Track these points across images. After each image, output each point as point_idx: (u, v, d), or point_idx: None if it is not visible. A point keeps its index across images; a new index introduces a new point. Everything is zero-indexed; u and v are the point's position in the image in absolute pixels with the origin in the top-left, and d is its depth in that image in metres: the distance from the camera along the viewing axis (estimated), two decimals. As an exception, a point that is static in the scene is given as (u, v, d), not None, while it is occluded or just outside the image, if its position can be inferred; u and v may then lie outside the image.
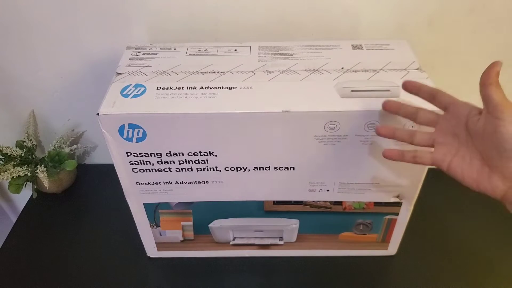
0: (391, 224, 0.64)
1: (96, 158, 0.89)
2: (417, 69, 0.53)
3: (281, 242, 0.68)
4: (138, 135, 0.50)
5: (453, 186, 0.45)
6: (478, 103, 0.41)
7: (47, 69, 0.72)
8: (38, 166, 0.76)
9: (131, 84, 0.51)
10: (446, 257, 0.70)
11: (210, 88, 0.51)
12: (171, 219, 0.63)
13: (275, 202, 0.61)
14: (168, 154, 0.53)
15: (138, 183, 0.56)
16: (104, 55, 0.70)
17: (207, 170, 0.55)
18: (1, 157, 0.76)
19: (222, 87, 0.51)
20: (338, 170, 0.55)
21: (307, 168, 0.55)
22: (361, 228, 0.65)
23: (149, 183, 0.56)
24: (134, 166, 0.54)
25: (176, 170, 0.55)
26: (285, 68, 0.54)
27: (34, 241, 0.75)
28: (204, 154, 0.53)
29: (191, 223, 0.64)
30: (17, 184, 0.76)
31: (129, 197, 0.59)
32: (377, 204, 0.60)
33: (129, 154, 0.52)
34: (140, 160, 0.53)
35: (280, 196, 0.60)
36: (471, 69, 0.70)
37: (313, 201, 0.60)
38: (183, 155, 0.53)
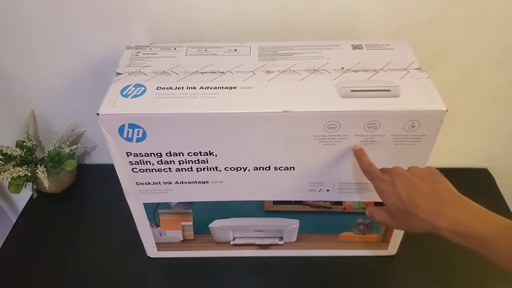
0: (391, 224, 0.64)
1: (96, 158, 0.89)
2: (417, 69, 0.53)
3: (281, 242, 0.68)
4: (138, 135, 0.50)
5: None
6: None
7: (47, 69, 0.72)
8: (38, 166, 0.76)
9: (131, 84, 0.51)
10: (446, 257, 0.70)
11: (210, 88, 0.51)
12: (171, 219, 0.63)
13: (275, 202, 0.61)
14: (168, 154, 0.53)
15: (138, 183, 0.56)
16: (104, 55, 0.70)
17: (207, 170, 0.55)
18: (1, 157, 0.76)
19: (222, 87, 0.51)
20: (338, 170, 0.55)
21: (307, 168, 0.55)
22: (361, 228, 0.65)
23: (149, 183, 0.56)
24: (134, 166, 0.54)
25: (176, 170, 0.55)
26: (285, 68, 0.54)
27: (34, 241, 0.75)
28: (204, 154, 0.53)
29: (191, 223, 0.64)
30: (17, 184, 0.76)
31: (129, 197, 0.59)
32: (377, 204, 0.60)
33: (129, 154, 0.52)
34: (140, 160, 0.53)
35: (280, 196, 0.60)
36: (471, 69, 0.70)
37: (313, 201, 0.60)
38: (183, 155, 0.53)
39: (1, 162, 0.76)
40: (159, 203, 0.60)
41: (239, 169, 0.55)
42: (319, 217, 0.63)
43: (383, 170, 0.48)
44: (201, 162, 0.54)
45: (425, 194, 0.42)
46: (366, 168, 0.49)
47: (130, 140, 0.50)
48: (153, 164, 0.54)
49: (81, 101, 0.77)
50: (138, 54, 0.57)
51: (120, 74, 0.53)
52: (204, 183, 0.57)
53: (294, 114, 0.48)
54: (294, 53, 0.57)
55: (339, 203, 0.60)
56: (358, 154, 0.51)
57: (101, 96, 0.50)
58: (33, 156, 0.80)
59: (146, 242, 0.68)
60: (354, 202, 0.60)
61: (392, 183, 0.45)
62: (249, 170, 0.55)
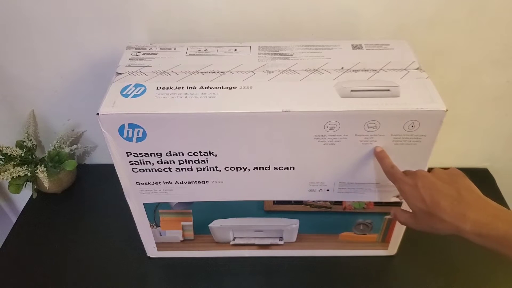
0: (391, 224, 0.64)
1: (96, 158, 0.89)
2: (417, 69, 0.53)
3: (281, 242, 0.68)
4: (138, 135, 0.50)
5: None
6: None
7: (47, 69, 0.72)
8: (38, 166, 0.76)
9: (131, 84, 0.51)
10: (446, 257, 0.70)
11: (210, 88, 0.51)
12: (171, 219, 0.63)
13: (275, 202, 0.61)
14: (168, 154, 0.53)
15: (138, 183, 0.56)
16: (104, 55, 0.70)
17: (207, 170, 0.55)
18: (1, 157, 0.76)
19: (222, 87, 0.51)
20: (338, 170, 0.55)
21: (307, 168, 0.55)
22: (361, 228, 0.65)
23: (149, 183, 0.56)
24: (134, 166, 0.54)
25: (176, 170, 0.55)
26: (285, 68, 0.54)
27: (34, 241, 0.75)
28: (204, 154, 0.53)
29: (191, 223, 0.64)
30: (17, 184, 0.76)
31: (129, 197, 0.59)
32: (377, 204, 0.60)
33: (129, 154, 0.52)
34: (140, 160, 0.53)
35: (280, 196, 0.60)
36: (471, 69, 0.70)
37: (313, 201, 0.60)
38: (183, 155, 0.53)
39: (1, 162, 0.76)
40: (159, 203, 0.60)
41: (239, 169, 0.55)
42: (319, 217, 0.63)
43: (406, 173, 0.48)
44: (201, 162, 0.54)
45: (449, 196, 0.42)
46: (389, 170, 0.49)
47: (130, 140, 0.50)
48: (153, 164, 0.54)
49: (81, 101, 0.77)
50: (138, 54, 0.57)
51: (120, 74, 0.53)
52: (204, 183, 0.57)
53: (294, 114, 0.48)
54: (294, 53, 0.57)
55: (339, 203, 0.60)
56: (380, 156, 0.51)
57: (101, 96, 0.50)
58: (33, 156, 0.80)
59: (146, 242, 0.68)
60: (354, 202, 0.60)
61: (415, 185, 0.45)
62: (249, 170, 0.55)
